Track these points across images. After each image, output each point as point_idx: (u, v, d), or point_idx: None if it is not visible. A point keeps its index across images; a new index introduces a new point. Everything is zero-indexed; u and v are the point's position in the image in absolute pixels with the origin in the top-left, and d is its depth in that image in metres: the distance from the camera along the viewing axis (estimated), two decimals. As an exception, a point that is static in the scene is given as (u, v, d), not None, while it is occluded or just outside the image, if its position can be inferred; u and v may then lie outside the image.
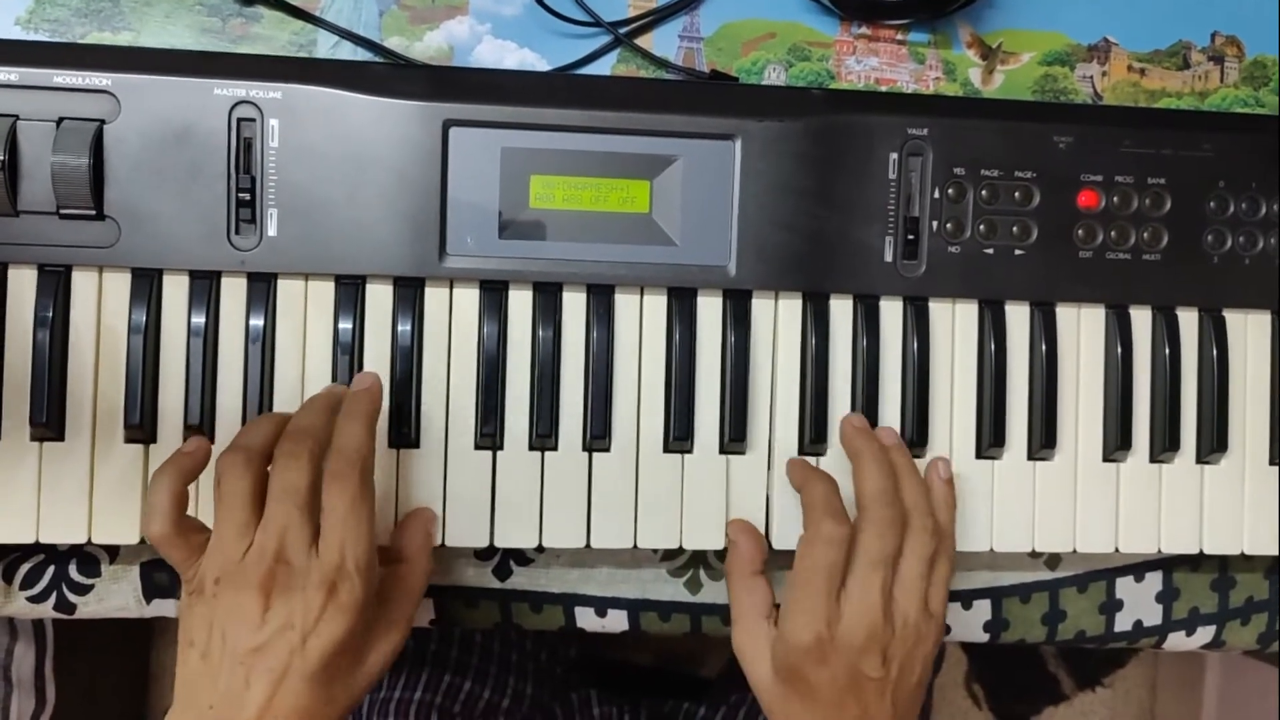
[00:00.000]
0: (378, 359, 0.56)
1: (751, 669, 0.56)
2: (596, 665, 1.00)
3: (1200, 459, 0.61)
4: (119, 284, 0.54)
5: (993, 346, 0.59)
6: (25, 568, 0.58)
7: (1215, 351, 0.60)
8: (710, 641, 1.33)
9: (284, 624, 0.46)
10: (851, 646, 0.52)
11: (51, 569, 0.58)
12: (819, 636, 0.52)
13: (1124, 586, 0.65)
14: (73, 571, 0.58)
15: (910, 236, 0.58)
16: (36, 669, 0.90)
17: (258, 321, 0.55)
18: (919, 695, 0.55)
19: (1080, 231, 0.59)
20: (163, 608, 0.59)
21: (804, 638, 0.52)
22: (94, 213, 0.53)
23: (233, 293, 0.55)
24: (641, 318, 0.57)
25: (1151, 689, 1.52)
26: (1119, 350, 0.60)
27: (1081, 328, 0.60)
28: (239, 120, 0.54)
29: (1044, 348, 0.60)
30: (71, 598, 0.58)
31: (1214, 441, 0.60)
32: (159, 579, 0.59)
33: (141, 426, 0.54)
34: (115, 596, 0.58)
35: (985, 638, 0.64)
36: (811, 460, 0.58)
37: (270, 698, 0.46)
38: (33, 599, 0.58)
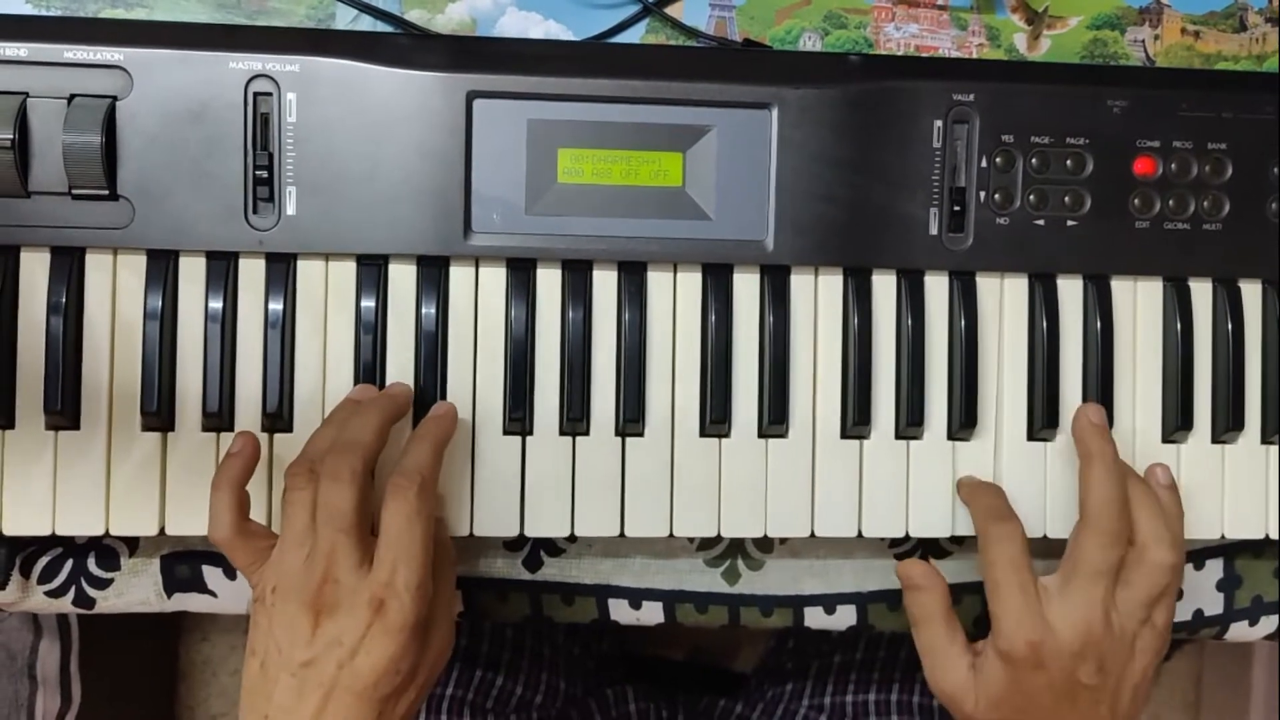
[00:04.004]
0: (401, 342, 0.54)
1: (956, 708, 0.54)
2: (629, 659, 0.98)
3: (1265, 439, 0.58)
4: (134, 266, 0.52)
5: (1044, 323, 0.56)
6: (43, 561, 0.56)
7: (1281, 326, 0.57)
8: (744, 634, 1.31)
9: (333, 640, 0.46)
10: (1067, 652, 0.51)
11: (70, 562, 0.56)
12: (1031, 645, 0.51)
13: (1183, 574, 0.62)
14: (91, 565, 0.56)
15: (956, 208, 0.55)
16: (62, 666, 0.89)
17: (277, 304, 0.53)
18: (1140, 704, 0.53)
19: (1136, 200, 0.56)
20: (184, 602, 0.57)
21: (1018, 649, 0.51)
22: (107, 193, 0.51)
23: (251, 274, 0.53)
24: (675, 296, 0.55)
25: (1197, 682, 1.48)
26: (1178, 325, 0.57)
27: (1138, 302, 0.57)
28: (255, 95, 0.52)
29: (1098, 324, 0.57)
30: (91, 592, 0.56)
31: (1280, 421, 0.57)
32: (180, 572, 0.57)
33: (159, 414, 0.52)
34: (135, 590, 0.57)
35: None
36: (854, 443, 0.56)
37: (321, 711, 0.46)
38: (51, 593, 0.56)
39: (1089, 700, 0.51)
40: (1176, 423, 0.57)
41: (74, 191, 0.51)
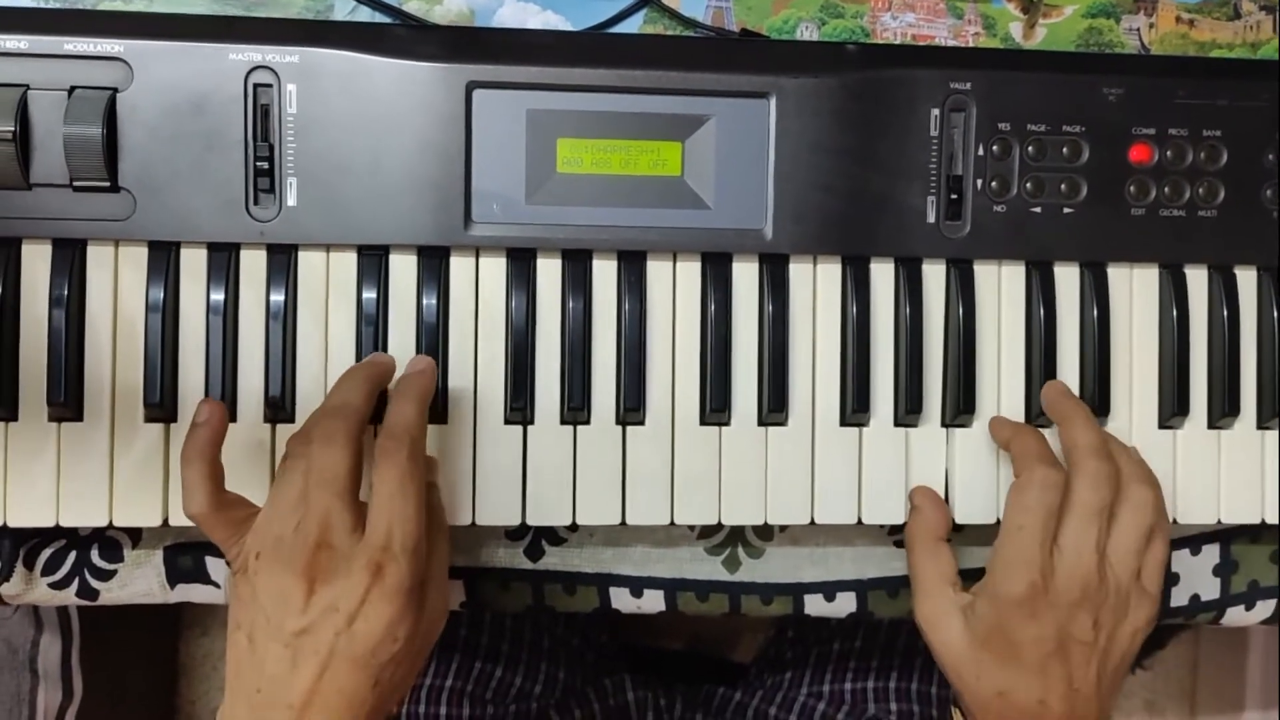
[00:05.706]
0: (402, 331, 0.54)
1: (938, 637, 0.54)
2: (629, 650, 0.99)
3: (1261, 424, 0.58)
4: (135, 258, 0.52)
5: (1041, 310, 0.57)
6: (46, 553, 0.56)
7: (1276, 312, 0.57)
8: (743, 625, 1.31)
9: (329, 606, 0.45)
10: (1065, 602, 0.51)
11: (73, 554, 0.56)
12: (1033, 586, 0.50)
13: (1180, 560, 0.62)
14: (95, 556, 0.57)
15: (953, 196, 0.55)
16: (63, 660, 0.89)
17: (278, 295, 0.53)
18: (1122, 674, 0.53)
19: (1132, 188, 0.56)
20: (187, 593, 0.58)
21: (1017, 588, 0.50)
22: (108, 184, 0.51)
23: (252, 265, 0.53)
24: (675, 285, 0.55)
25: (1192, 670, 1.49)
26: (1174, 312, 0.57)
27: (1134, 289, 0.58)
28: (255, 86, 0.52)
29: (1095, 311, 0.57)
30: (94, 584, 0.57)
31: (1275, 406, 0.58)
32: (183, 563, 0.57)
33: (162, 405, 0.52)
34: (139, 582, 0.57)
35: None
36: (854, 430, 0.56)
37: (317, 680, 0.45)
38: (54, 585, 0.56)
39: (1081, 656, 0.51)
40: (1173, 408, 0.57)
41: (75, 183, 0.51)
